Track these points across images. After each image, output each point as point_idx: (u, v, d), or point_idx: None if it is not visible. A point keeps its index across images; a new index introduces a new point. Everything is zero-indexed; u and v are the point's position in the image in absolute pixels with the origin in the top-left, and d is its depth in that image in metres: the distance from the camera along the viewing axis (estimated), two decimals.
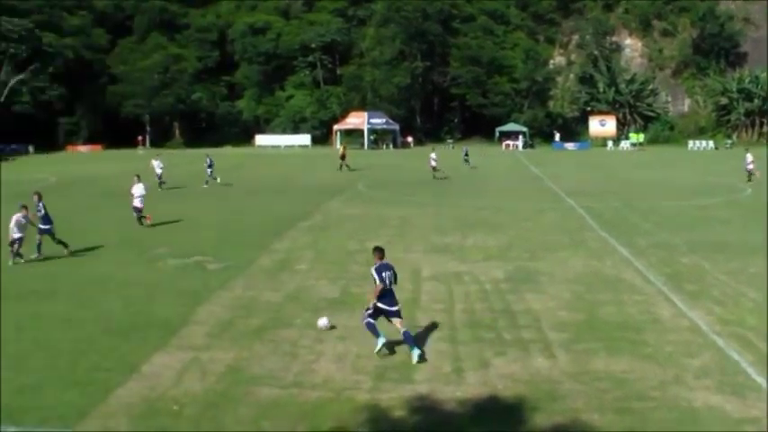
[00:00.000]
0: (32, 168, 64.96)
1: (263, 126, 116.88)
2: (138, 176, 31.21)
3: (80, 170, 62.95)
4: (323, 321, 15.15)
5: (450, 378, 12.56)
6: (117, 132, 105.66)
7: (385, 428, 10.80)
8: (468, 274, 20.54)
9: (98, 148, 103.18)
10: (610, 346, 14.09)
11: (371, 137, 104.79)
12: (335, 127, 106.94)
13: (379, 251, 13.88)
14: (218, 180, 46.95)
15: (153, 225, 29.72)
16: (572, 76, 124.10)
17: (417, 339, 14.01)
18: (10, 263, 22.00)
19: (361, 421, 10.93)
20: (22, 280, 20.25)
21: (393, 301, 13.58)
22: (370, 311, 13.55)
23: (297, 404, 11.48)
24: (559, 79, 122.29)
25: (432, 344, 14.32)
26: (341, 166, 58.40)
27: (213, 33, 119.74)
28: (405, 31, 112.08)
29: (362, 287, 18.61)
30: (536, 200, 38.66)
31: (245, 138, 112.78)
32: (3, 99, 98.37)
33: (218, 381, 12.47)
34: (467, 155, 64.04)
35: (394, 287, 13.67)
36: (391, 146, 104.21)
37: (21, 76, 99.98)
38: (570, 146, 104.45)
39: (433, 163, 52.23)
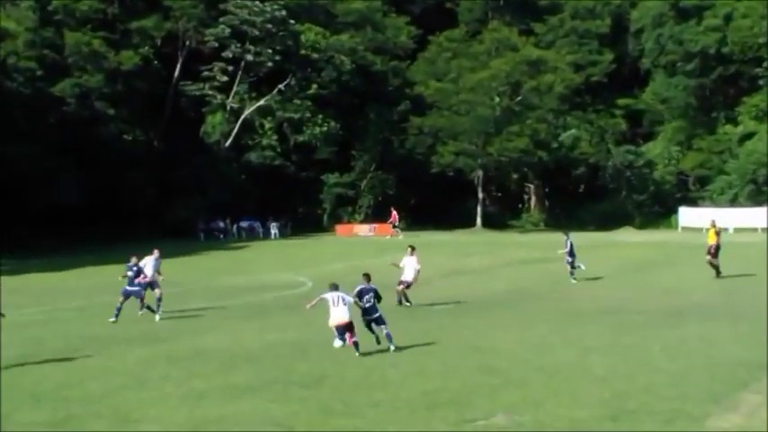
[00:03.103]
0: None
1: None
2: None
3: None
4: (337, 342, 23.12)
5: None
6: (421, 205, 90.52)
7: None
8: None
9: (388, 229, 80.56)
10: None
11: None
12: None
13: (366, 276, 24.04)
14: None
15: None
16: None
17: None
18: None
19: None
20: None
21: (373, 312, 23.90)
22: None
23: None
24: None
25: None
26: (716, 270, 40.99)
27: None
28: None
29: None
30: None
31: None
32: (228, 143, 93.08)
33: None
34: None
35: (377, 304, 23.80)
36: None
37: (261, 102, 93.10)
38: None
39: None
